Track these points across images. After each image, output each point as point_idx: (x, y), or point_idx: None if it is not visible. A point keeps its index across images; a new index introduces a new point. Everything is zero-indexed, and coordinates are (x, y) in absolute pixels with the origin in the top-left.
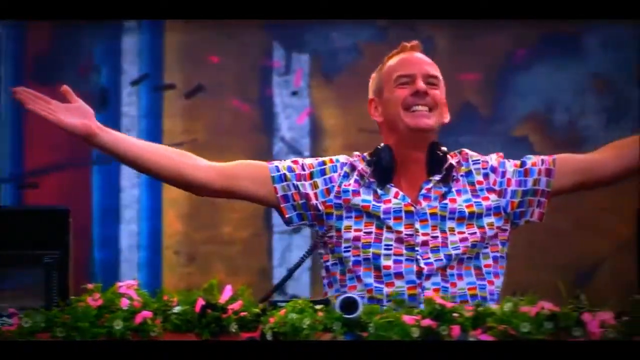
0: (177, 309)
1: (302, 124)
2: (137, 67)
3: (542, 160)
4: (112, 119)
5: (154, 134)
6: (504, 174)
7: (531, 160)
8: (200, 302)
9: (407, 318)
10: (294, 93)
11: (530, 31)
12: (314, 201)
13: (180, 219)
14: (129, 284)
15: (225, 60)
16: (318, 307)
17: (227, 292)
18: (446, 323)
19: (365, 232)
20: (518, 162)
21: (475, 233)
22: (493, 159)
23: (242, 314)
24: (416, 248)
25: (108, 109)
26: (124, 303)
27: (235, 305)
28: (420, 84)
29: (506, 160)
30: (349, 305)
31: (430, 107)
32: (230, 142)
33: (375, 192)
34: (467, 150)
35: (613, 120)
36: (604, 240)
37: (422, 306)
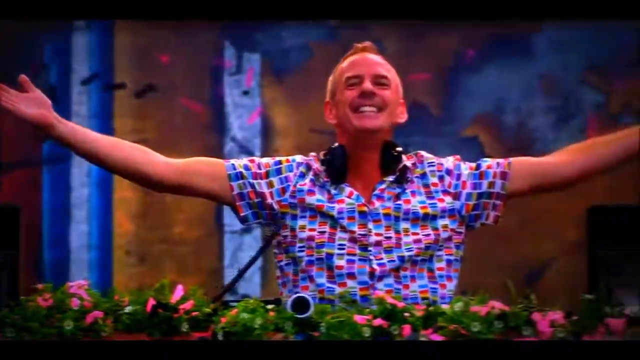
0: (128, 309)
1: (253, 123)
2: (87, 67)
3: (498, 163)
4: (63, 118)
5: (104, 133)
6: (459, 176)
7: (486, 163)
8: (151, 302)
9: (358, 318)
10: (245, 93)
11: (479, 32)
12: (269, 200)
13: (131, 219)
14: (80, 284)
15: (176, 59)
16: (269, 306)
17: (179, 292)
18: (397, 323)
19: (319, 232)
20: (473, 165)
21: (429, 235)
22: (449, 161)
23: (194, 313)
24: (369, 248)
25: (58, 108)
26: (75, 303)
27: (187, 305)
28: (367, 85)
29: (462, 163)
30: (301, 304)
31: (379, 107)
32: (181, 141)
33: (328, 192)
34: (422, 153)
35: (562, 121)
36: (552, 240)
37: (374, 307)
